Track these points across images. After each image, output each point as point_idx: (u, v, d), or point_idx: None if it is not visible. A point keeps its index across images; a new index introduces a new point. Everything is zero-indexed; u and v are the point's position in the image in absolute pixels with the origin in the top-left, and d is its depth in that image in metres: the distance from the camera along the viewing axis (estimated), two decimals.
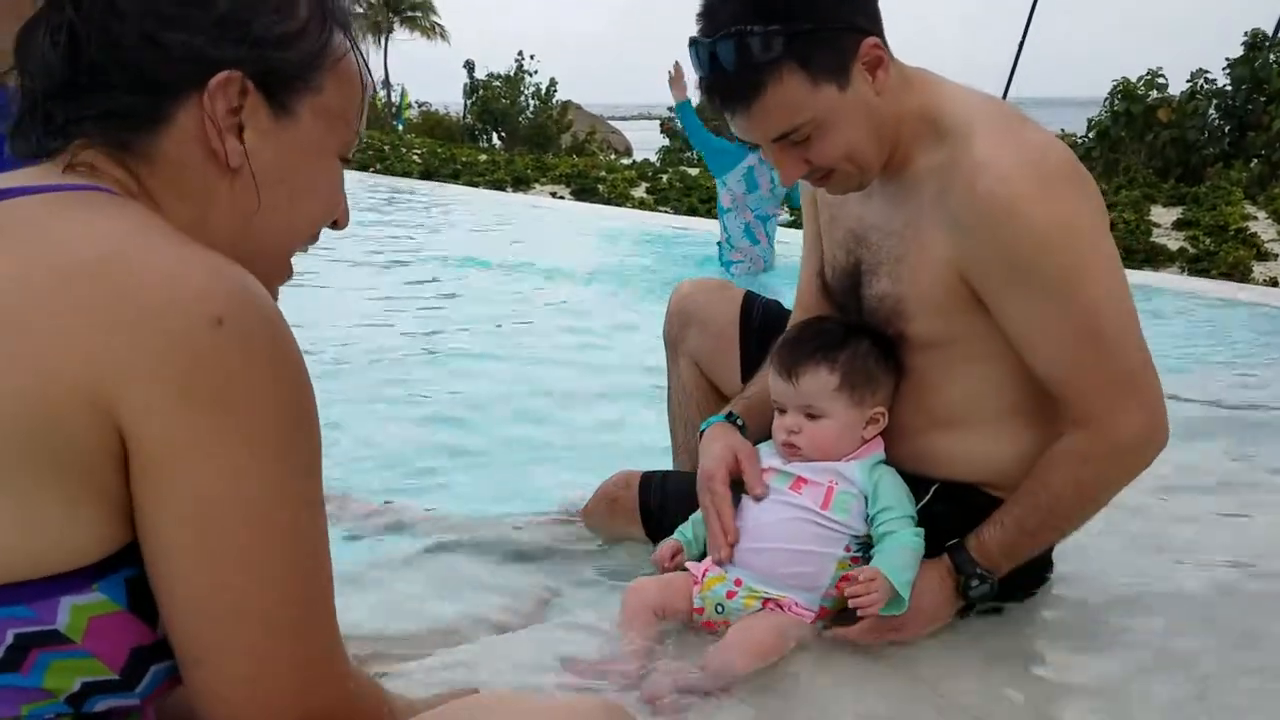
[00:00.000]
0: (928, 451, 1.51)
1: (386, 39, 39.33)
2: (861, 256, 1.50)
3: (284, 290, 0.89)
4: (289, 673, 0.73)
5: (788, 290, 1.84)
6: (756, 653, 1.36)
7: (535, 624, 1.54)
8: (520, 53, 18.71)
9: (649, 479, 1.75)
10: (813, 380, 1.46)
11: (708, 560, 1.48)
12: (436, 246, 6.21)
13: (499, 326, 3.93)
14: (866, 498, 1.44)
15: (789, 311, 1.77)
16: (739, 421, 1.59)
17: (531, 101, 18.66)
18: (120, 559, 0.69)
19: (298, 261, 0.91)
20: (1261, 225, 7.23)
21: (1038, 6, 12.21)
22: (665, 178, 10.63)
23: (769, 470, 1.50)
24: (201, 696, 0.73)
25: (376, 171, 11.39)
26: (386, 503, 1.97)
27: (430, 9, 42.26)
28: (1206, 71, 11.05)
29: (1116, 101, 11.11)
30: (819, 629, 1.43)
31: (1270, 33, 10.81)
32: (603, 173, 11.16)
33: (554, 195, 9.79)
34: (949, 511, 1.46)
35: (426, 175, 11.23)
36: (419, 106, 22.48)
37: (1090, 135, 11.34)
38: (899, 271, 1.44)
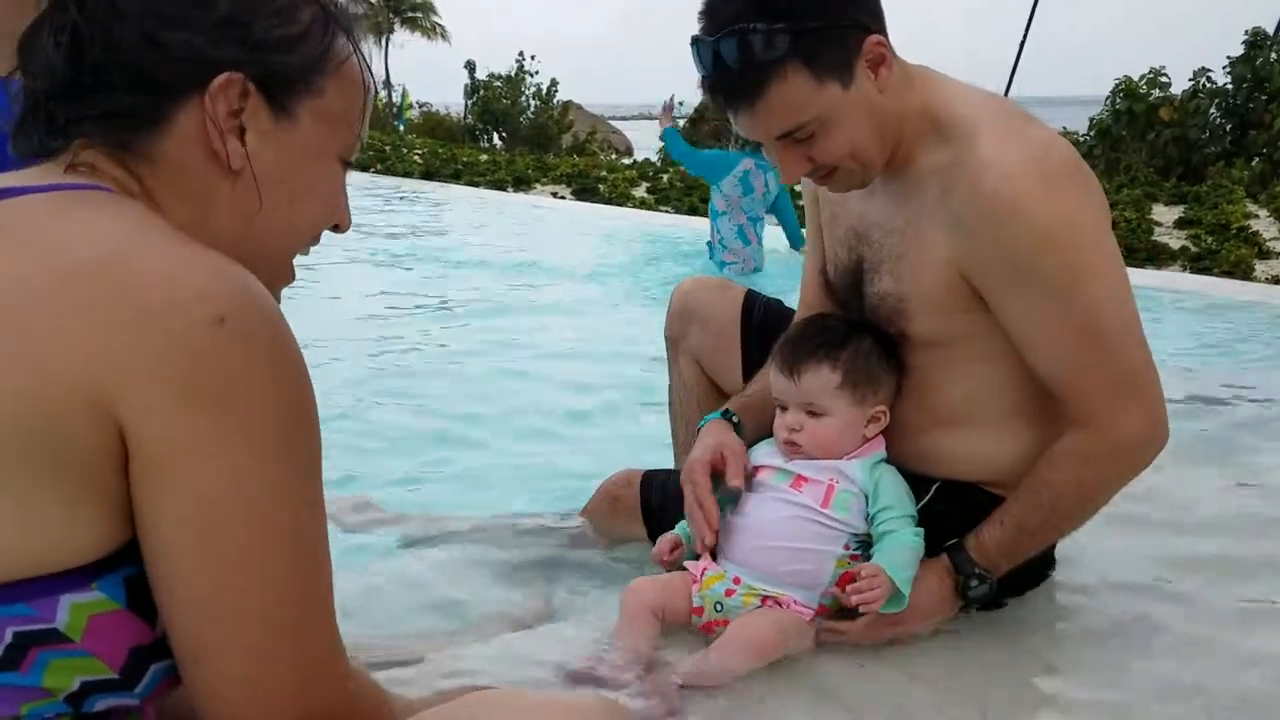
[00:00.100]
0: (929, 450, 1.51)
1: (387, 39, 39.34)
2: (863, 254, 1.50)
3: (283, 290, 0.89)
4: (289, 672, 0.73)
5: (773, 287, 1.84)
6: (756, 651, 1.36)
7: (535, 624, 1.54)
8: (521, 53, 18.71)
9: (650, 477, 1.75)
10: (815, 378, 1.46)
11: (706, 559, 1.48)
12: (436, 246, 6.21)
13: (498, 326, 3.93)
14: (867, 496, 1.44)
15: (790, 310, 1.77)
16: (735, 419, 1.59)
17: (532, 102, 18.64)
18: (119, 558, 0.69)
19: (298, 262, 0.91)
20: (1263, 224, 7.22)
21: (1040, 4, 12.18)
22: (666, 177, 10.62)
23: (769, 468, 1.50)
24: (201, 696, 0.73)
25: (377, 172, 11.40)
26: (382, 503, 1.97)
27: (431, 9, 42.28)
28: (1208, 70, 11.04)
29: (1118, 100, 11.10)
30: (818, 627, 1.43)
31: (1270, 31, 10.79)
32: (604, 172, 11.15)
33: (555, 195, 9.78)
34: (949, 510, 1.46)
35: (427, 175, 11.23)
36: (420, 107, 22.50)
37: (1092, 134, 11.33)
38: (900, 270, 1.44)
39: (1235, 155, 10.39)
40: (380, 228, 6.76)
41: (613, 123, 27.60)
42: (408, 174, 11.34)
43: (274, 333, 0.71)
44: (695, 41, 1.32)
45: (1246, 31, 10.81)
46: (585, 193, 9.86)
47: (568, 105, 19.31)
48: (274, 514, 0.71)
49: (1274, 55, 10.46)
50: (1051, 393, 1.39)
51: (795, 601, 1.41)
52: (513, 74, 18.56)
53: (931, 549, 1.42)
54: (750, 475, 1.52)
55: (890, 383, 1.49)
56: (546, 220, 7.83)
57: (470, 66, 18.91)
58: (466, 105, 19.40)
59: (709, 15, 1.31)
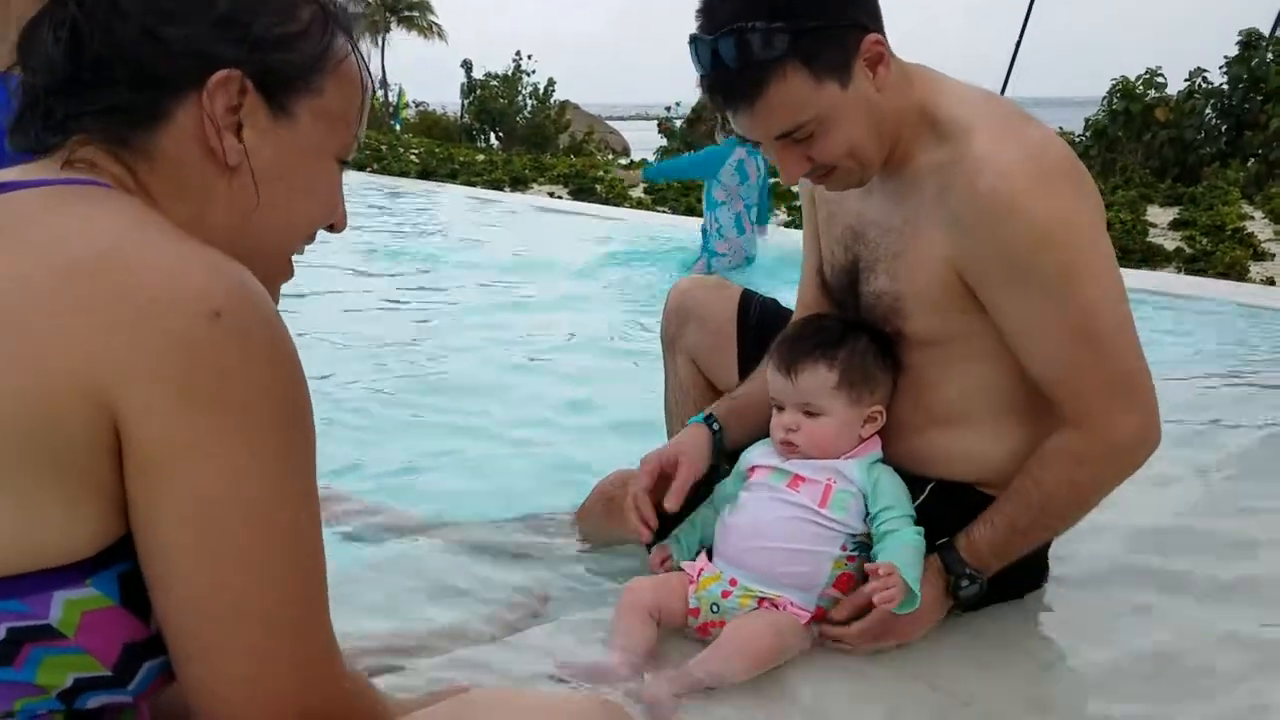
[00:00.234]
0: (925, 450, 1.51)
1: (384, 38, 39.30)
2: (859, 253, 1.50)
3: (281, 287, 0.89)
4: (288, 672, 0.73)
5: (767, 276, 1.84)
6: (753, 656, 1.35)
7: (531, 626, 1.54)
8: (518, 52, 18.71)
9: None
10: (811, 378, 1.46)
11: (702, 559, 1.48)
12: (433, 246, 6.21)
13: (493, 324, 3.93)
14: (864, 496, 1.44)
15: (787, 310, 1.77)
16: (715, 426, 1.60)
17: (529, 101, 18.64)
18: (113, 554, 0.69)
19: (295, 260, 0.91)
20: (1258, 225, 7.24)
21: (1036, 3, 12.21)
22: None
23: (766, 468, 1.50)
24: (197, 695, 0.73)
25: (374, 171, 11.39)
26: (380, 503, 1.97)
27: (428, 8, 42.25)
28: (1204, 71, 11.07)
29: (1115, 100, 11.12)
30: (814, 631, 1.42)
31: (1265, 32, 10.82)
32: (600, 172, 11.15)
33: (551, 195, 9.78)
34: (944, 510, 1.46)
35: (424, 175, 11.22)
36: (416, 106, 22.47)
37: (1088, 134, 11.35)
38: (896, 269, 1.44)
39: (1231, 156, 10.42)
40: (377, 226, 6.75)
41: (610, 123, 27.60)
42: (404, 173, 11.34)
43: (270, 329, 0.71)
44: (693, 40, 1.32)
45: (1240, 32, 10.83)
46: (582, 193, 9.85)
47: (565, 105, 19.31)
48: (274, 513, 0.71)
49: (1270, 56, 10.48)
50: (1045, 393, 1.39)
51: (792, 603, 1.41)
52: (509, 73, 18.55)
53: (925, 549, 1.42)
54: (746, 476, 1.52)
55: (887, 382, 1.49)
56: (542, 220, 7.83)
57: (467, 66, 18.90)
58: (463, 105, 19.39)
59: (707, 14, 1.31)
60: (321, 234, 0.92)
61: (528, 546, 1.81)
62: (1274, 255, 6.28)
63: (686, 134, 14.64)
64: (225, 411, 0.68)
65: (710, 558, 1.48)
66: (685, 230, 6.38)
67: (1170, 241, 6.60)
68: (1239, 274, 5.62)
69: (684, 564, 1.49)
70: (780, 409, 1.50)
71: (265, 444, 0.70)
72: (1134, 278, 4.35)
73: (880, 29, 1.34)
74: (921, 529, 1.41)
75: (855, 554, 1.45)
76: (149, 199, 0.78)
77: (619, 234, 6.60)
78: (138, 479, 0.68)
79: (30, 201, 0.73)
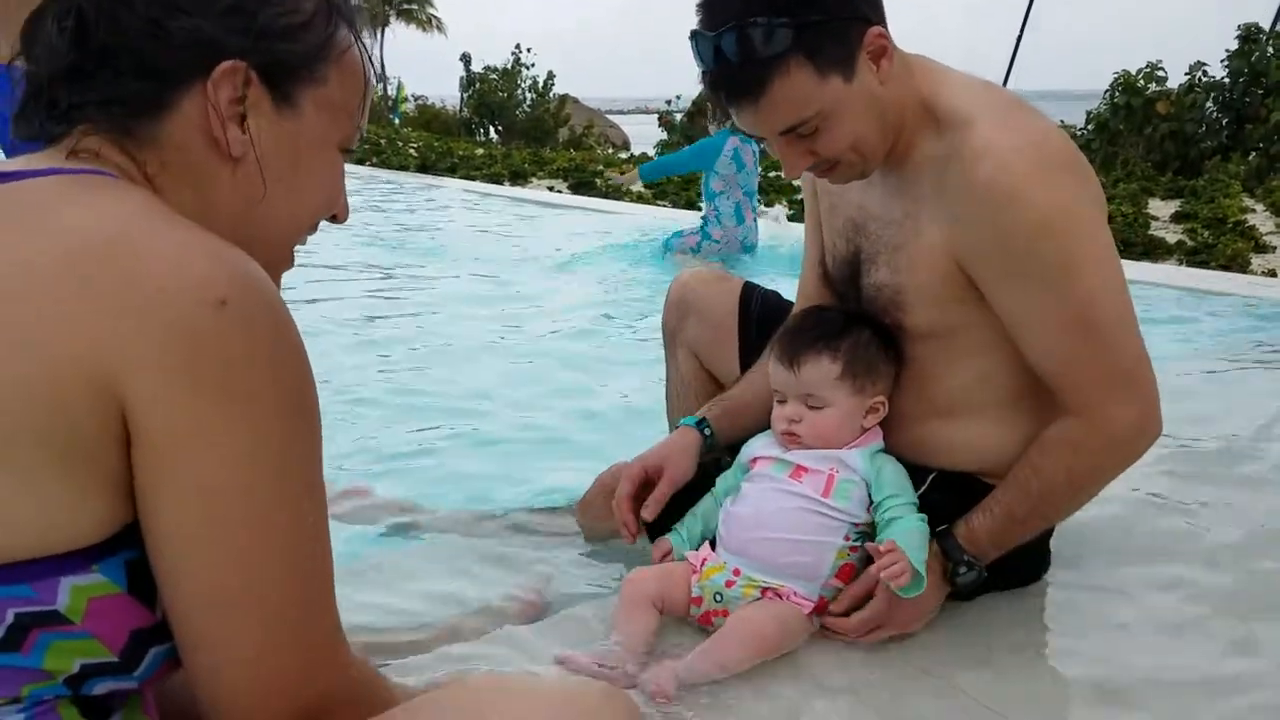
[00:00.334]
0: (926, 440, 1.51)
1: (383, 31, 39.22)
2: (861, 245, 1.50)
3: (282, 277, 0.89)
4: (293, 658, 0.74)
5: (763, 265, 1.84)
6: (756, 646, 1.35)
7: (531, 616, 1.54)
8: (518, 46, 18.68)
9: None
10: (814, 369, 1.46)
11: (705, 549, 1.49)
12: (433, 239, 6.21)
13: (493, 317, 3.93)
14: (867, 485, 1.44)
15: (788, 302, 1.77)
16: (707, 431, 1.61)
17: (528, 95, 18.62)
18: (120, 541, 0.70)
19: (297, 251, 0.91)
20: (1260, 218, 7.24)
21: (1035, 1, 12.19)
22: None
23: (768, 459, 1.50)
24: (203, 682, 0.73)
25: (373, 165, 11.38)
26: (379, 495, 1.98)
27: (427, 2, 42.18)
28: (1204, 64, 11.06)
29: (1116, 94, 11.12)
30: (816, 622, 1.43)
31: (1265, 27, 10.80)
32: (600, 166, 11.14)
33: (551, 189, 9.77)
34: (946, 500, 1.46)
35: (423, 169, 11.21)
36: (415, 100, 22.45)
37: (1089, 128, 11.34)
38: (897, 261, 1.44)
39: (1232, 149, 10.42)
40: (375, 219, 6.75)
41: (610, 117, 27.57)
42: (403, 167, 11.33)
43: (275, 317, 0.71)
44: (694, 36, 1.31)
45: (1239, 26, 10.82)
46: (582, 187, 9.85)
47: (564, 99, 19.30)
48: (279, 501, 0.71)
49: (1270, 50, 10.47)
50: (1045, 383, 1.39)
51: (795, 593, 1.41)
52: (509, 67, 18.53)
53: None
54: (748, 467, 1.53)
55: (889, 373, 1.49)
56: (542, 213, 7.82)
57: (466, 59, 18.87)
58: (462, 98, 19.37)
59: (708, 9, 1.30)
60: (324, 224, 0.92)
61: (529, 537, 1.81)
62: (1275, 248, 6.28)
63: (687, 128, 14.63)
64: (230, 399, 0.68)
65: (713, 548, 1.49)
66: (685, 224, 6.38)
67: (1172, 234, 6.60)
68: (1240, 266, 5.62)
69: (687, 554, 1.50)
70: (782, 401, 1.50)
71: (269, 432, 0.70)
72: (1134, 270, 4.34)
73: (883, 21, 1.33)
74: (925, 515, 1.41)
75: (858, 544, 1.45)
76: (154, 188, 0.79)
77: (619, 228, 6.60)
78: (144, 467, 0.68)
79: (37, 190, 0.73)
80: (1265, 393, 2.94)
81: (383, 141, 13.19)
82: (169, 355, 0.66)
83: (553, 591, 1.63)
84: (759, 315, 1.78)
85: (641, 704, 1.24)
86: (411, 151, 12.46)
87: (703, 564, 1.46)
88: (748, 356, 1.75)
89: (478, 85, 18.63)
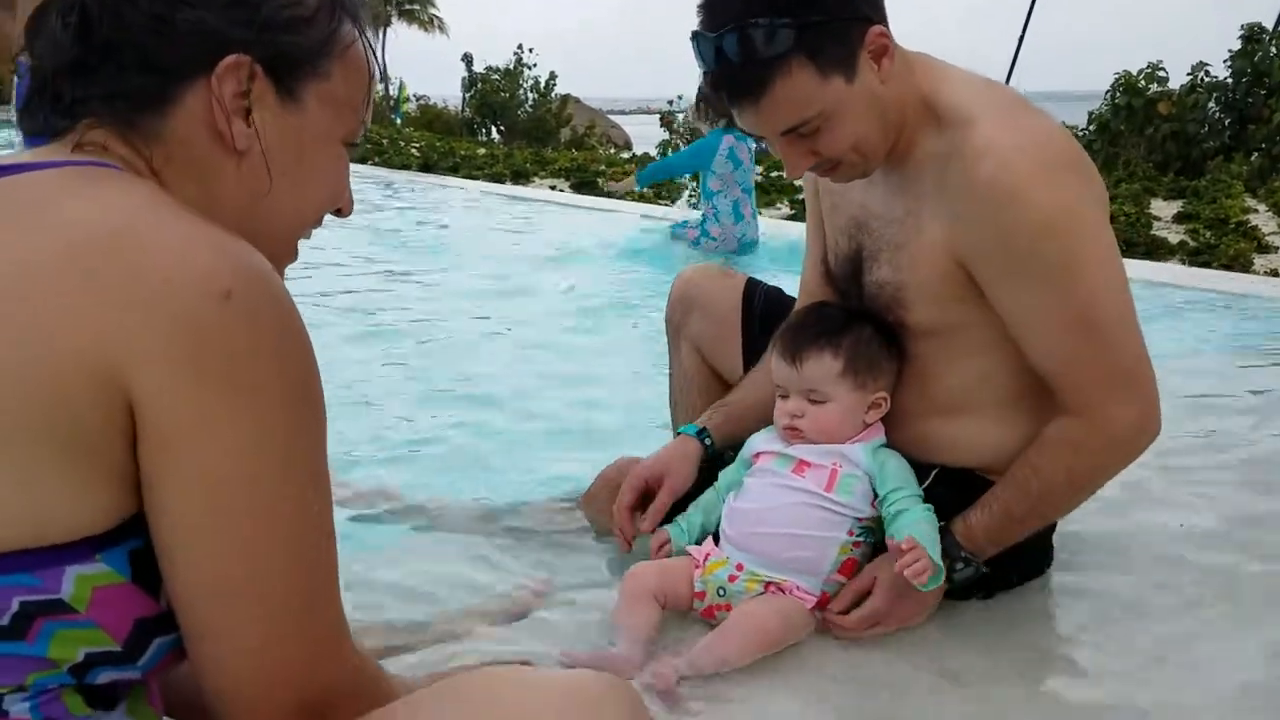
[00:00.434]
0: (928, 437, 1.51)
1: (385, 32, 39.25)
2: (863, 243, 1.50)
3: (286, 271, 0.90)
4: (298, 648, 0.74)
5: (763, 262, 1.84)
6: (759, 640, 1.36)
7: (535, 609, 1.54)
8: (520, 46, 18.68)
9: None
10: (817, 365, 1.46)
11: (709, 543, 1.49)
12: (437, 236, 6.22)
13: (496, 312, 3.94)
14: (870, 479, 1.45)
15: (791, 298, 1.77)
16: (707, 440, 1.63)
17: (530, 95, 18.62)
18: (124, 531, 0.70)
19: (301, 245, 0.91)
20: (1262, 218, 7.23)
21: (1037, 1, 12.19)
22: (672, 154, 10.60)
23: (771, 454, 1.51)
24: (207, 673, 0.73)
25: (375, 164, 11.39)
26: (382, 488, 1.98)
27: (429, 2, 42.19)
28: (1207, 64, 11.05)
29: (1117, 95, 11.11)
30: (819, 617, 1.43)
31: (1268, 27, 10.79)
32: (602, 166, 11.15)
33: (553, 188, 9.78)
34: (948, 496, 1.47)
35: (425, 168, 11.22)
36: (417, 100, 22.45)
37: (1090, 128, 11.33)
38: (899, 259, 1.44)
39: (1234, 150, 10.40)
40: (378, 216, 6.77)
41: (611, 117, 27.58)
42: (405, 167, 11.33)
43: (280, 309, 0.72)
44: (695, 37, 1.31)
45: (1242, 26, 10.81)
46: (584, 186, 9.85)
47: (566, 99, 19.29)
48: (283, 492, 0.71)
49: (1273, 50, 10.46)
50: (1046, 382, 1.39)
51: (798, 588, 1.42)
52: (511, 67, 18.52)
53: None
54: (751, 462, 1.53)
55: (891, 370, 1.50)
56: (545, 211, 7.83)
57: (468, 59, 18.87)
58: (464, 98, 19.37)
59: (709, 10, 1.30)
60: (330, 219, 0.92)
61: (532, 531, 1.81)
62: (1277, 248, 6.28)
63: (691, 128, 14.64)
64: (235, 391, 0.68)
65: (716, 542, 1.49)
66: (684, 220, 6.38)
67: (1174, 235, 6.60)
68: (1243, 267, 5.62)
69: (690, 548, 1.50)
70: (784, 396, 1.51)
71: (274, 423, 0.70)
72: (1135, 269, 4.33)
73: (884, 20, 1.33)
74: (931, 506, 1.41)
75: (861, 539, 1.46)
76: (159, 181, 0.79)
77: (621, 225, 6.61)
78: (149, 458, 0.68)
79: (42, 183, 0.73)
80: (1266, 391, 2.94)
81: (385, 141, 13.19)
82: (174, 347, 0.66)
83: (555, 584, 1.64)
84: (762, 311, 1.78)
85: (644, 697, 1.24)
86: (414, 151, 12.46)
87: (706, 559, 1.46)
88: (751, 352, 1.75)
89: (479, 85, 18.63)
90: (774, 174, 8.90)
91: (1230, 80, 10.78)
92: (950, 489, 1.48)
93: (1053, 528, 1.59)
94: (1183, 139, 10.68)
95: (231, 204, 0.82)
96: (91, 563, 0.68)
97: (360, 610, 1.47)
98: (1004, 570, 1.49)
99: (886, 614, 1.41)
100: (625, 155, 15.25)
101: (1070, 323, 1.34)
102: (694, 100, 5.69)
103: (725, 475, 1.58)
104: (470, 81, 18.80)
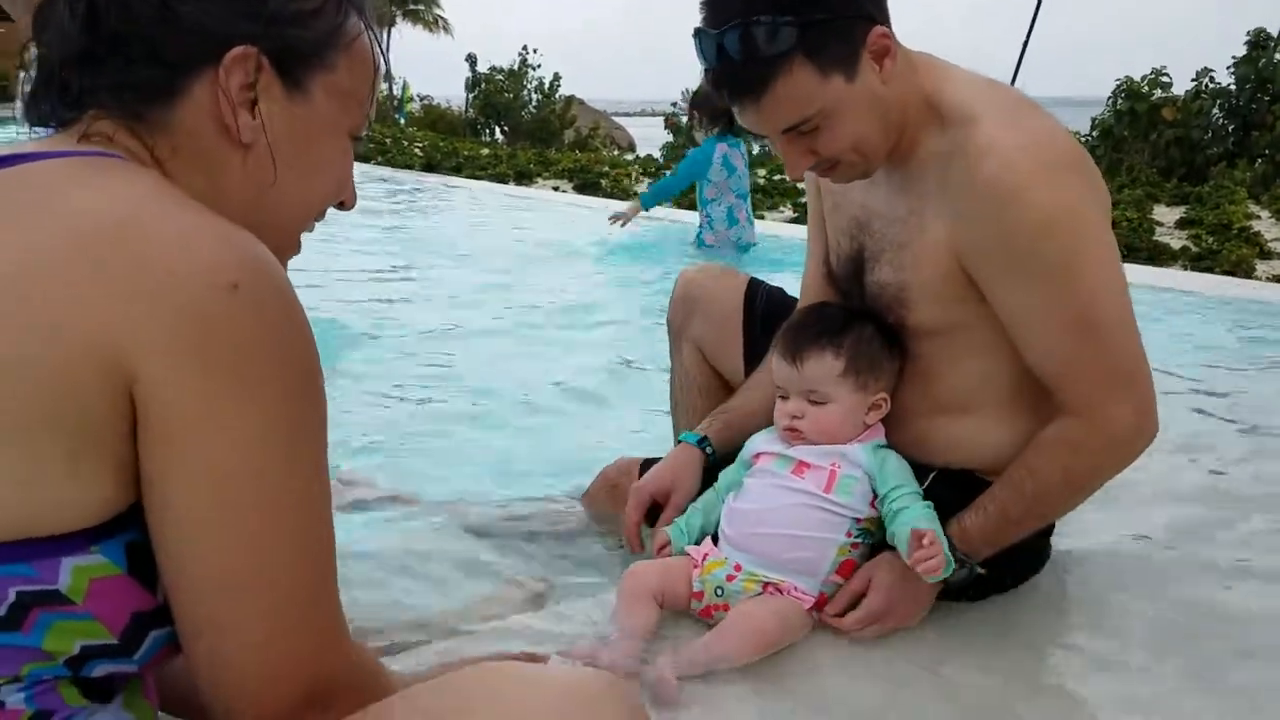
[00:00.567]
0: (929, 437, 1.51)
1: (389, 32, 39.27)
2: (864, 243, 1.50)
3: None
4: (302, 641, 0.74)
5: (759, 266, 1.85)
6: (757, 640, 1.35)
7: (533, 608, 1.54)
8: (524, 47, 18.71)
9: (649, 466, 1.75)
10: (817, 365, 1.46)
11: (707, 544, 1.49)
12: (439, 233, 6.22)
13: (499, 310, 3.94)
14: (870, 478, 1.44)
15: (793, 299, 1.77)
16: (709, 449, 1.64)
17: (534, 96, 18.64)
18: (121, 522, 0.70)
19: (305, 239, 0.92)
20: (1265, 224, 7.23)
21: (1043, 2, 12.18)
22: (669, 174, 10.63)
23: (770, 454, 1.51)
24: (208, 667, 0.73)
25: (378, 164, 11.40)
26: (383, 485, 1.98)
27: (433, 2, 42.23)
28: (1211, 71, 11.05)
29: (1120, 100, 11.11)
30: (817, 617, 1.43)
31: (1274, 32, 10.79)
32: (605, 168, 11.15)
33: (556, 190, 9.78)
34: (948, 497, 1.46)
35: (428, 168, 11.23)
36: (421, 100, 22.47)
37: (1094, 134, 11.34)
38: (901, 259, 1.44)
39: (1238, 156, 10.41)
40: (380, 216, 6.77)
41: (615, 118, 27.60)
42: (408, 167, 11.35)
43: (285, 301, 0.72)
44: (698, 34, 1.31)
45: (1248, 32, 10.81)
46: (587, 188, 9.86)
47: (570, 100, 19.31)
48: (287, 484, 0.71)
49: (1278, 56, 10.46)
50: (1044, 383, 1.39)
51: (796, 588, 1.42)
52: (515, 68, 18.54)
53: None
54: (751, 462, 1.53)
55: (892, 370, 1.50)
56: (547, 211, 7.84)
57: (471, 60, 18.89)
58: (468, 99, 19.39)
59: (711, 7, 1.30)
60: (331, 212, 0.93)
61: (531, 530, 1.81)
62: None
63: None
64: (241, 383, 0.68)
65: (715, 542, 1.49)
66: (687, 220, 6.41)
67: (1177, 240, 6.60)
68: (1245, 272, 5.62)
69: (689, 548, 1.50)
70: (785, 397, 1.51)
71: (279, 416, 0.70)
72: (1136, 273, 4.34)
73: (886, 21, 1.33)
74: (931, 504, 1.41)
75: (859, 540, 1.46)
76: (164, 173, 0.79)
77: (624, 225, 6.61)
78: (153, 451, 0.68)
79: (49, 172, 0.73)
80: (1266, 392, 2.95)
81: (388, 141, 13.21)
82: (180, 339, 0.66)
83: (554, 584, 1.64)
84: (764, 312, 1.78)
85: (642, 695, 1.24)
86: (417, 151, 12.48)
87: (704, 559, 1.46)
88: (752, 353, 1.75)
89: (483, 86, 18.65)
90: (777, 177, 8.90)
91: (1234, 86, 10.78)
92: (950, 490, 1.48)
93: (1051, 528, 1.59)
94: (1186, 145, 10.69)
95: (237, 196, 0.82)
96: (88, 554, 0.68)
97: (359, 607, 1.47)
98: (999, 571, 1.49)
99: (883, 615, 1.41)
100: (629, 157, 15.26)
101: (1069, 323, 1.34)
102: (688, 105, 5.74)
103: (725, 476, 1.58)
104: (474, 82, 18.83)
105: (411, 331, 3.57)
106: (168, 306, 0.66)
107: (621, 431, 2.40)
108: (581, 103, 21.74)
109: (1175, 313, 4.19)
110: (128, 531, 0.70)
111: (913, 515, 1.38)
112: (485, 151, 13.06)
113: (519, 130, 18.26)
